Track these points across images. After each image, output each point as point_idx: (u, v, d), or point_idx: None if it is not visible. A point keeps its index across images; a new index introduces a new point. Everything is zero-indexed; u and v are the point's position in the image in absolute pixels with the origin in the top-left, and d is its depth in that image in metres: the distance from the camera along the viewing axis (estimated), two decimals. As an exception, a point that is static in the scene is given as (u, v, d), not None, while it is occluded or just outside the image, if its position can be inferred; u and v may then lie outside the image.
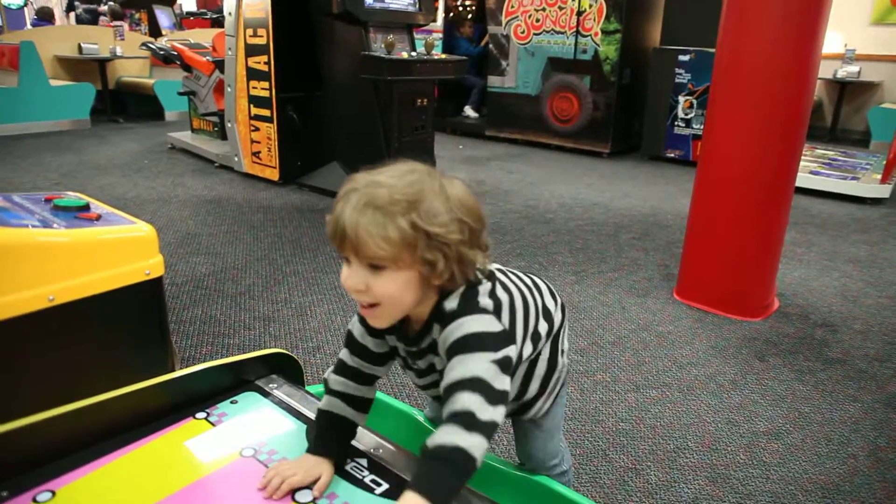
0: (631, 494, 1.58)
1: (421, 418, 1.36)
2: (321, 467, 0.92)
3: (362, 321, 0.99)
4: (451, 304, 0.90)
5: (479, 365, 0.84)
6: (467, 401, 0.82)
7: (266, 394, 1.14)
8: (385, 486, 0.93)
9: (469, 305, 0.89)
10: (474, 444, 0.80)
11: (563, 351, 1.18)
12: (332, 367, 1.03)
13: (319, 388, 1.32)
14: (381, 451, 1.00)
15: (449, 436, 0.80)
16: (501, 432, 1.72)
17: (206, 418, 1.04)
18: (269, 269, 2.95)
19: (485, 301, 0.90)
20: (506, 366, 0.87)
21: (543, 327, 1.08)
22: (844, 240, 3.70)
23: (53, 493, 0.85)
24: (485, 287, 0.92)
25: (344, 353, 1.02)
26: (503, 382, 0.85)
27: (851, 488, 1.64)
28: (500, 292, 0.96)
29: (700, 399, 2.01)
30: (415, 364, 1.01)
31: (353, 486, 0.92)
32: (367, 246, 0.81)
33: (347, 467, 0.96)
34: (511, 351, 0.90)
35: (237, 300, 2.60)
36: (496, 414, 0.82)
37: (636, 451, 1.75)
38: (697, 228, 2.71)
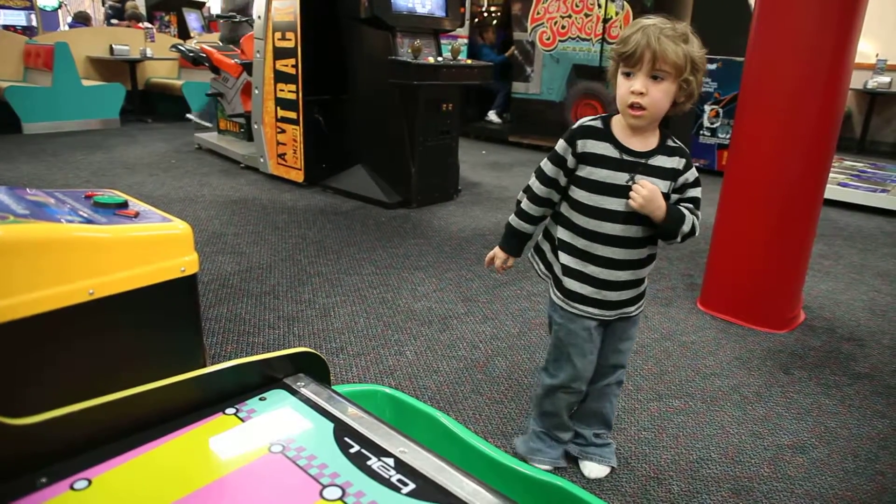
0: (652, 504, 1.58)
1: (444, 420, 1.36)
2: (510, 259, 1.57)
3: (591, 134, 1.40)
4: (682, 146, 1.42)
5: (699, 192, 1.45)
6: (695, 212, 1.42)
7: (294, 392, 1.15)
8: (411, 485, 0.93)
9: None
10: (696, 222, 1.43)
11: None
12: (522, 193, 1.52)
13: (345, 387, 1.33)
14: (406, 451, 1.01)
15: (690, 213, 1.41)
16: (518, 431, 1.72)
17: (235, 414, 1.06)
18: (293, 270, 2.98)
19: None
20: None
21: None
22: (873, 253, 3.64)
23: (90, 481, 0.87)
24: None
25: (535, 185, 1.48)
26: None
27: (878, 505, 1.61)
28: None
29: (724, 410, 2.00)
30: (630, 179, 1.37)
31: (380, 484, 0.93)
32: (664, 56, 1.25)
33: (374, 466, 0.97)
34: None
35: (262, 299, 2.64)
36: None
37: (658, 461, 1.74)
38: (723, 238, 2.69)
